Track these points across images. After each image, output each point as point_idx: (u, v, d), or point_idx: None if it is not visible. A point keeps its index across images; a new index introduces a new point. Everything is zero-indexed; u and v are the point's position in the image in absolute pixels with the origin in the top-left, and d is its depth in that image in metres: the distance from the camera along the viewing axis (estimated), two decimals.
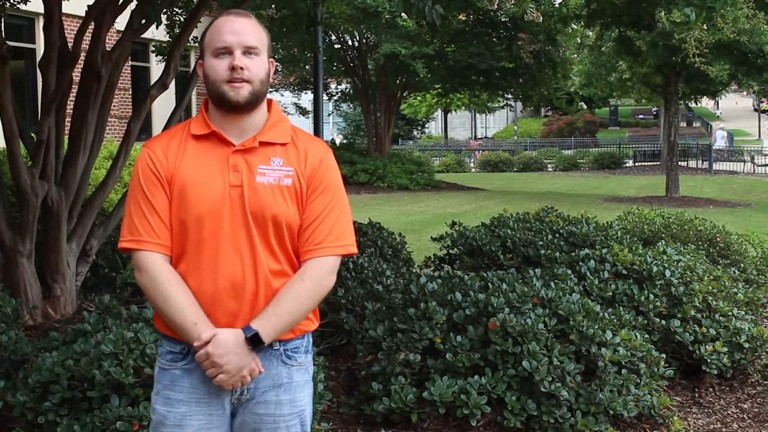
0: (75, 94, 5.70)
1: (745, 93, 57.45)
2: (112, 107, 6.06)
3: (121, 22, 5.95)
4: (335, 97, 29.77)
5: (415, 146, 39.68)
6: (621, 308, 4.70)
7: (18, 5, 6.27)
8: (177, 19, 7.16)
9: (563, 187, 24.50)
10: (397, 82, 23.95)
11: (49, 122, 5.26)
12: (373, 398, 4.07)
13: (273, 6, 8.98)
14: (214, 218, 2.10)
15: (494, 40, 21.81)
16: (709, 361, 4.73)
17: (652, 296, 4.89)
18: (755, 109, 57.23)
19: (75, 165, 5.56)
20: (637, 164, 34.64)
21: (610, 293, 4.92)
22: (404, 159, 24.08)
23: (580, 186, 25.39)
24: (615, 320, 4.44)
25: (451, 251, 6.51)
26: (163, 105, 12.80)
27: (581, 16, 17.22)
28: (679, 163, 23.23)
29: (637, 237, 6.85)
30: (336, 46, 23.70)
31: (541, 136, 50.98)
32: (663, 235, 7.02)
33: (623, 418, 4.12)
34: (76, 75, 5.50)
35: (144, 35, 6.41)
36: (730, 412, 4.56)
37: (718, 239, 7.17)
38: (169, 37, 7.20)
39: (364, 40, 23.55)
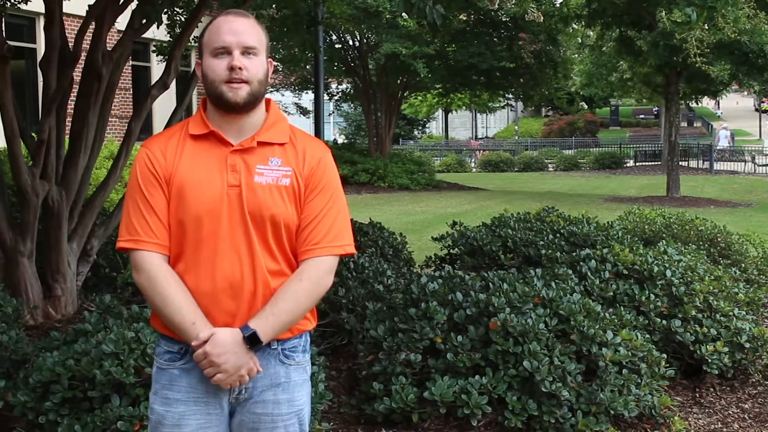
0: (76, 94, 5.69)
1: (745, 93, 57.47)
2: (112, 107, 6.06)
3: (122, 21, 5.95)
4: (336, 97, 29.77)
5: (415, 146, 39.66)
6: (622, 308, 4.70)
7: (19, 5, 6.26)
8: (178, 18, 7.16)
9: (564, 187, 24.49)
10: (398, 82, 23.96)
11: (49, 122, 5.26)
12: (374, 398, 4.07)
13: (274, 6, 8.97)
14: (213, 218, 2.10)
15: (495, 39, 21.80)
16: (709, 361, 4.73)
17: (653, 296, 4.89)
18: (756, 109, 57.16)
19: (76, 165, 5.56)
20: (637, 164, 34.59)
21: (611, 293, 4.92)
22: (405, 159, 24.07)
23: (580, 186, 25.38)
24: (616, 320, 4.44)
25: (451, 251, 6.51)
26: (163, 105, 12.80)
27: (582, 15, 17.21)
28: (680, 163, 23.24)
29: (638, 237, 6.84)
30: (337, 46, 23.69)
31: (542, 136, 50.94)
32: (664, 235, 7.01)
33: (624, 418, 4.11)
34: (77, 75, 5.50)
35: (145, 35, 6.40)
36: (731, 412, 4.56)
37: (719, 239, 7.16)
38: (170, 36, 7.20)
39: (365, 40, 23.55)
